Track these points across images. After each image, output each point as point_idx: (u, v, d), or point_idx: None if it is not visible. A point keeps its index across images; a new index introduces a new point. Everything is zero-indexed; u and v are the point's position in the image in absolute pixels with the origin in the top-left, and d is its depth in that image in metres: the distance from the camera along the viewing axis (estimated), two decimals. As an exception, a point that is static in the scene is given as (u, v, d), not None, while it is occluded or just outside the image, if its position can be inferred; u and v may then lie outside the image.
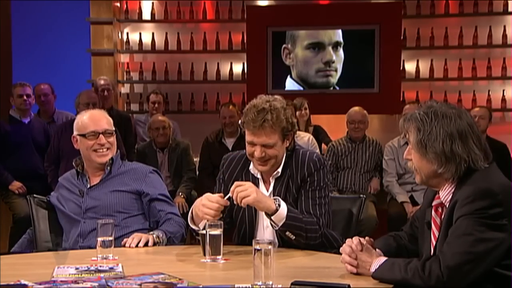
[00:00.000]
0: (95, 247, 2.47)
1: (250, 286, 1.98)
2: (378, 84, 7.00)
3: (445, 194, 2.09)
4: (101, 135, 2.94)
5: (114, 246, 2.47)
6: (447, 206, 2.08)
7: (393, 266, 2.02)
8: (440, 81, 7.14)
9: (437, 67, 7.12)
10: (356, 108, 5.57)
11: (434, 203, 2.15)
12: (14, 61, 6.23)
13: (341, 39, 7.05)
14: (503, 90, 7.04)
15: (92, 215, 2.87)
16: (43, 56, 7.17)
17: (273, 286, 1.97)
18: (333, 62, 7.06)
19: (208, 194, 2.51)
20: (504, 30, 6.96)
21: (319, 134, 6.13)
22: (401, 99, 7.01)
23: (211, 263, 2.35)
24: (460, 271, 1.91)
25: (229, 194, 2.46)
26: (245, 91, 7.16)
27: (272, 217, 2.49)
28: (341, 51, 7.05)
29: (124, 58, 7.49)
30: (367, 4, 7.14)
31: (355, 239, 2.18)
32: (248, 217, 2.70)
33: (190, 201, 5.09)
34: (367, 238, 2.23)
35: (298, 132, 5.02)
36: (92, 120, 2.97)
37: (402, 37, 7.04)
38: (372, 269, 2.06)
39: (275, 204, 2.48)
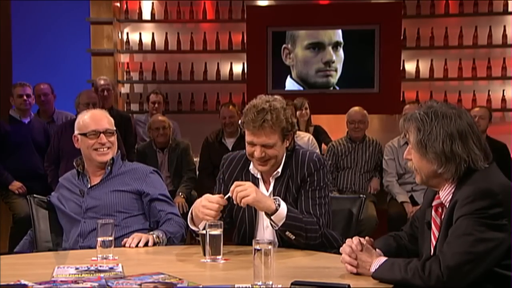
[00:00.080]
0: (95, 247, 2.47)
1: (250, 286, 1.98)
2: (378, 84, 7.00)
3: (445, 194, 2.09)
4: (102, 135, 2.95)
5: (114, 246, 2.47)
6: (447, 206, 2.08)
7: (393, 266, 2.02)
8: (440, 81, 7.14)
9: (437, 67, 7.12)
10: (356, 108, 5.57)
11: (434, 203, 2.15)
12: (14, 61, 6.23)
13: (341, 39, 7.05)
14: (503, 90, 7.04)
15: (92, 215, 2.87)
16: (43, 56, 7.17)
17: (273, 286, 1.97)
18: (333, 62, 7.06)
19: (207, 195, 2.51)
20: (504, 30, 6.96)
21: (320, 134, 6.12)
22: (401, 99, 7.01)
23: (211, 263, 2.35)
24: (460, 271, 1.91)
25: (229, 194, 2.46)
26: (245, 91, 7.16)
27: (272, 217, 2.49)
28: (341, 51, 7.05)
29: (124, 58, 7.50)
30: (367, 4, 7.14)
31: (355, 239, 2.18)
32: (248, 217, 2.70)
33: (190, 201, 5.09)
34: (367, 238, 2.24)
35: (298, 132, 5.02)
36: (93, 119, 2.98)
37: (402, 37, 7.04)
38: (372, 269, 2.06)
39: (275, 204, 2.48)
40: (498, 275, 1.97)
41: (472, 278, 1.92)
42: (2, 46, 5.97)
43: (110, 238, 2.45)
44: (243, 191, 2.42)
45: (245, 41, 7.22)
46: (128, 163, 3.11)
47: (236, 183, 2.47)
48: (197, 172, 5.58)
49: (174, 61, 7.38)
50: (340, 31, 7.06)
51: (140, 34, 7.40)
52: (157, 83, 7.37)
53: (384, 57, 6.94)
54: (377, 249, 2.22)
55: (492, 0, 6.99)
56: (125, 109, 7.31)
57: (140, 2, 7.38)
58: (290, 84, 7.15)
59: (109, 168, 2.98)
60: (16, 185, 5.13)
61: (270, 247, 1.99)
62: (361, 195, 3.08)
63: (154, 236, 2.72)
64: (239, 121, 2.69)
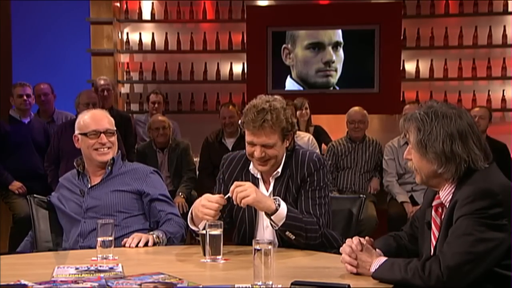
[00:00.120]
0: (95, 247, 2.47)
1: (250, 286, 1.98)
2: (378, 84, 7.00)
3: (445, 194, 2.09)
4: (102, 135, 2.95)
5: (114, 246, 2.47)
6: (447, 206, 2.08)
7: (393, 266, 2.02)
8: (440, 81, 7.14)
9: (437, 67, 7.12)
10: (356, 108, 5.57)
11: (434, 203, 2.15)
12: (14, 61, 6.23)
13: (341, 39, 7.05)
14: (503, 90, 7.04)
15: (92, 214, 2.87)
16: (43, 56, 7.17)
17: (273, 286, 1.97)
18: (333, 62, 7.06)
19: (207, 195, 2.51)
20: (504, 30, 6.96)
21: (320, 135, 6.12)
22: (401, 99, 7.01)
23: (211, 263, 2.35)
24: (460, 271, 1.91)
25: (229, 194, 2.46)
26: (245, 91, 7.16)
27: (272, 217, 2.49)
28: (341, 51, 7.05)
29: (124, 58, 7.50)
30: (367, 4, 7.14)
31: (355, 239, 2.18)
32: (248, 217, 2.70)
33: (190, 201, 5.09)
34: (367, 238, 2.24)
35: (298, 132, 5.02)
36: (94, 119, 2.98)
37: (402, 37, 7.04)
38: (372, 269, 2.06)
39: (275, 204, 2.48)
40: (498, 275, 1.97)
41: (472, 278, 1.92)
42: (2, 46, 5.97)
43: (110, 238, 2.45)
44: (243, 192, 2.42)
45: (245, 41, 7.22)
46: (129, 163, 3.11)
47: (236, 183, 2.47)
48: (197, 172, 5.58)
49: (174, 61, 7.38)
50: (340, 31, 7.06)
51: (140, 34, 7.40)
52: (157, 83, 7.37)
53: (384, 57, 6.94)
54: (377, 249, 2.22)
55: (492, 0, 6.99)
56: (125, 109, 7.31)
57: (140, 2, 7.38)
58: (290, 84, 7.15)
59: (109, 168, 2.98)
60: (16, 185, 5.13)
61: (270, 247, 1.99)
62: (361, 195, 3.08)
63: (154, 236, 2.72)
64: (239, 121, 2.69)
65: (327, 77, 7.10)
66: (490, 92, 7.04)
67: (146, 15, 7.38)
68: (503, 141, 5.49)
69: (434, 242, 2.12)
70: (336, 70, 7.07)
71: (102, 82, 5.80)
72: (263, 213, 2.53)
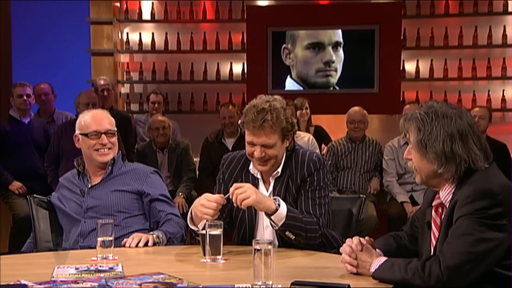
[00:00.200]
0: (95, 247, 2.47)
1: (250, 286, 1.98)
2: (378, 84, 7.00)
3: (445, 194, 2.09)
4: (103, 135, 2.95)
5: (114, 246, 2.47)
6: (447, 206, 2.08)
7: (393, 266, 2.02)
8: (440, 81, 7.14)
9: (437, 67, 7.12)
10: (356, 108, 5.57)
11: (434, 203, 2.15)
12: (14, 61, 6.22)
13: (341, 39, 7.05)
14: (503, 90, 7.04)
15: (92, 214, 2.87)
16: (43, 56, 7.17)
17: (273, 286, 1.97)
18: (333, 62, 7.06)
19: (207, 194, 2.51)
20: (504, 30, 6.96)
21: (320, 135, 6.12)
22: (401, 99, 7.01)
23: (211, 263, 2.35)
24: (460, 271, 1.91)
25: (229, 194, 2.46)
26: (245, 91, 7.16)
27: (272, 217, 2.49)
28: (341, 51, 7.05)
29: (124, 58, 7.50)
30: (367, 4, 7.14)
31: (355, 239, 2.18)
32: (248, 217, 2.70)
33: (190, 201, 5.08)
34: (367, 238, 2.23)
35: (298, 132, 5.02)
36: (95, 120, 2.98)
37: (402, 37, 7.04)
38: (372, 269, 2.06)
39: (275, 204, 2.48)
40: (498, 275, 1.97)
41: (472, 278, 1.92)
42: (2, 46, 5.96)
43: (110, 238, 2.45)
44: (243, 193, 2.42)
45: (245, 41, 7.22)
46: (129, 164, 3.11)
47: (235, 185, 2.47)
48: (197, 172, 5.58)
49: (174, 61, 7.38)
50: (340, 31, 7.06)
51: (140, 34, 7.40)
52: (157, 83, 7.37)
53: (384, 57, 6.94)
54: (377, 249, 2.22)
55: (492, 0, 6.99)
56: (125, 109, 7.30)
57: (140, 2, 7.38)
58: (290, 84, 7.15)
59: (109, 168, 2.98)
60: (16, 185, 5.13)
61: (270, 247, 1.99)
62: (361, 195, 3.08)
63: (154, 236, 2.72)
64: (239, 121, 2.69)
65: (327, 77, 7.10)
66: (490, 92, 7.04)
67: (146, 15, 7.38)
68: (503, 141, 5.50)
69: (434, 242, 2.12)
70: (336, 70, 7.07)
71: (102, 82, 5.80)
72: (263, 213, 2.53)
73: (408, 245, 2.33)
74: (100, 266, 2.28)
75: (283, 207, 2.49)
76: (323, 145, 5.94)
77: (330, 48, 7.06)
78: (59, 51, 7.21)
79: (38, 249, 2.97)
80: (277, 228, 2.51)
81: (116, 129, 3.03)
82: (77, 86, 5.99)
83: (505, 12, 6.97)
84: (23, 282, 2.03)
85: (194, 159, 5.63)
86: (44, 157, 5.13)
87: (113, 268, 2.26)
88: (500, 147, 5.30)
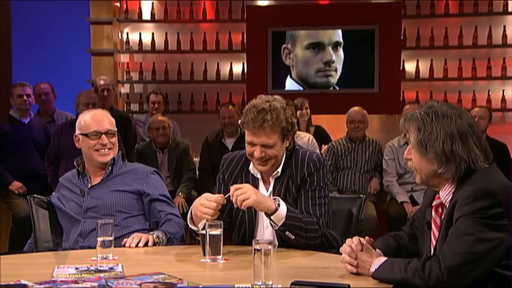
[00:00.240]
0: (95, 247, 2.47)
1: (250, 286, 1.98)
2: (378, 84, 7.00)
3: (445, 194, 2.09)
4: (103, 135, 2.95)
5: (114, 246, 2.47)
6: (447, 206, 2.08)
7: (393, 266, 2.02)
8: (440, 81, 7.13)
9: (437, 67, 7.12)
10: (355, 108, 5.57)
11: (434, 203, 2.15)
12: (14, 61, 6.22)
13: (341, 39, 7.05)
14: (503, 90, 7.04)
15: (92, 214, 2.87)
16: (43, 56, 7.16)
17: (273, 286, 1.97)
18: (333, 62, 7.06)
19: (206, 194, 2.51)
20: (504, 30, 6.96)
21: (321, 135, 6.12)
22: (401, 99, 7.01)
23: (211, 263, 2.35)
24: (460, 271, 1.91)
25: (229, 194, 2.46)
26: (245, 91, 7.16)
27: (271, 217, 2.49)
28: (341, 51, 7.05)
29: (124, 58, 7.50)
30: (367, 4, 7.14)
31: (355, 239, 2.18)
32: (248, 217, 2.70)
33: (190, 201, 5.08)
34: (367, 238, 2.24)
35: (298, 132, 5.02)
36: (95, 120, 2.98)
37: (402, 37, 7.04)
38: (372, 269, 2.06)
39: (275, 204, 2.48)
40: (498, 275, 1.97)
41: (472, 278, 1.92)
42: (2, 46, 5.96)
43: (110, 238, 2.45)
44: (243, 194, 2.42)
45: (245, 41, 7.22)
46: (129, 164, 3.11)
47: (234, 186, 2.47)
48: (197, 172, 5.58)
49: (174, 61, 7.38)
50: (340, 31, 7.06)
51: (140, 34, 7.40)
52: (157, 83, 7.37)
53: (384, 57, 6.94)
54: (377, 249, 2.22)
55: (492, 0, 6.99)
56: (125, 109, 7.30)
57: (140, 2, 7.38)
58: (290, 84, 7.15)
59: (109, 168, 2.98)
60: (16, 185, 5.13)
61: (270, 247, 1.99)
62: (361, 195, 3.08)
63: (154, 236, 2.72)
64: (239, 121, 2.69)
65: (327, 77, 7.10)
66: (490, 92, 7.04)
67: (146, 15, 7.38)
68: (503, 141, 5.50)
69: (434, 242, 2.12)
70: (336, 70, 7.07)
71: (102, 82, 5.80)
72: (263, 213, 2.53)
73: (408, 245, 2.33)
74: (100, 266, 2.28)
75: (283, 207, 2.49)
76: (323, 145, 5.93)
77: (330, 48, 7.06)
78: (59, 51, 7.21)
79: (38, 249, 2.97)
80: (277, 228, 2.51)
81: (116, 129, 3.03)
82: (77, 86, 5.99)
83: (505, 12, 6.97)
84: (23, 282, 2.03)
85: (194, 159, 5.63)
86: (44, 157, 5.13)
87: (113, 268, 2.26)
88: (500, 147, 5.30)
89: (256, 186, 2.65)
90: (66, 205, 2.97)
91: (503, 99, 7.02)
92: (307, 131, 5.94)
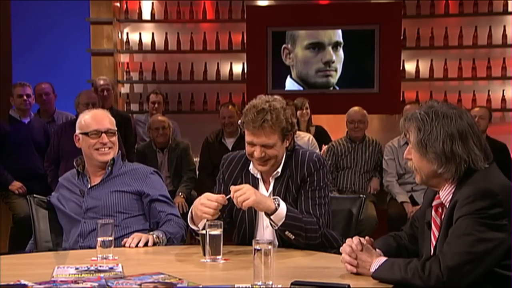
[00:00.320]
0: (95, 247, 2.47)
1: (250, 286, 1.98)
2: (378, 84, 7.00)
3: (445, 194, 2.09)
4: (103, 134, 2.95)
5: (114, 246, 2.47)
6: (447, 206, 2.08)
7: (393, 266, 2.02)
8: (440, 81, 7.13)
9: (437, 67, 7.12)
10: (355, 108, 5.57)
11: (434, 203, 2.15)
12: (14, 61, 6.23)
13: (341, 39, 7.05)
14: (503, 90, 7.04)
15: (92, 215, 2.87)
16: (43, 56, 7.17)
17: (273, 286, 1.97)
18: (333, 62, 7.06)
19: (207, 194, 2.51)
20: (504, 30, 6.96)
21: (321, 135, 6.12)
22: (401, 99, 7.01)
23: (211, 263, 2.35)
24: (460, 271, 1.91)
25: (230, 195, 2.46)
26: (245, 91, 7.16)
27: (271, 217, 2.49)
28: (341, 51, 7.05)
29: (124, 58, 7.50)
30: (367, 4, 7.14)
31: (355, 239, 2.18)
32: (248, 217, 2.70)
33: (190, 201, 5.08)
34: (367, 238, 2.23)
35: (298, 132, 5.02)
36: (95, 119, 2.99)
37: (402, 37, 7.04)
38: (372, 269, 2.06)
39: (275, 204, 2.48)
40: (498, 275, 1.97)
41: (472, 278, 1.92)
42: (2, 46, 5.97)
43: (110, 238, 2.45)
44: (243, 195, 2.42)
45: (245, 41, 7.22)
46: (129, 164, 3.11)
47: (234, 187, 2.47)
48: (197, 172, 5.58)
49: (174, 61, 7.38)
50: (340, 31, 7.06)
51: (140, 34, 7.40)
52: (157, 83, 7.37)
53: (384, 57, 6.94)
54: (377, 249, 2.22)
55: (492, 0, 6.99)
56: (125, 109, 7.30)
57: (140, 2, 7.38)
58: (290, 84, 7.15)
59: (109, 168, 2.98)
60: (16, 185, 5.13)
61: (270, 247, 1.99)
62: (361, 195, 3.08)
63: (154, 236, 2.72)
64: (239, 121, 2.69)
65: (327, 77, 7.10)
66: (490, 92, 7.04)
67: (146, 15, 7.38)
68: (503, 141, 5.50)
69: (434, 242, 2.12)
70: (336, 70, 7.07)
71: (101, 82, 5.80)
72: (263, 213, 2.53)
73: (408, 245, 2.33)
74: (100, 266, 2.28)
75: (283, 207, 2.49)
76: (323, 146, 5.93)
77: (330, 48, 7.06)
78: (59, 51, 7.21)
79: (38, 249, 2.97)
80: (276, 228, 2.51)
81: (116, 128, 3.03)
82: (77, 86, 5.99)
83: (505, 12, 6.97)
84: (23, 282, 2.03)
85: (194, 159, 5.63)
86: (44, 157, 5.13)
87: (113, 268, 2.26)
88: (500, 147, 5.30)
89: (256, 186, 2.65)
90: (65, 205, 2.97)
91: (503, 99, 7.01)
92: (308, 131, 5.94)
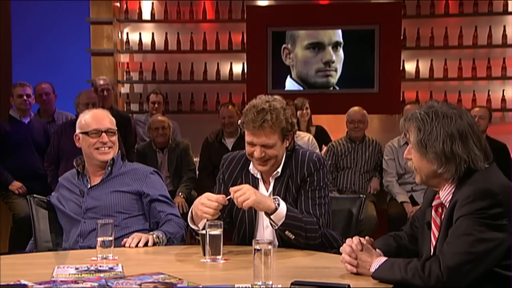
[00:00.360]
0: (95, 247, 2.47)
1: (250, 286, 1.98)
2: (378, 84, 7.00)
3: (445, 194, 2.09)
4: (103, 134, 2.95)
5: (114, 246, 2.47)
6: (447, 206, 2.08)
7: (393, 266, 2.02)
8: (440, 81, 7.14)
9: (437, 67, 7.12)
10: (355, 108, 5.57)
11: (434, 203, 2.15)
12: (14, 61, 6.23)
13: (341, 39, 7.05)
14: (503, 90, 7.04)
15: (92, 215, 2.87)
16: (43, 56, 7.17)
17: (273, 286, 1.97)
18: (333, 62, 7.06)
19: (208, 194, 2.51)
20: (504, 30, 6.96)
21: (322, 135, 6.12)
22: (401, 99, 7.01)
23: (211, 263, 2.35)
24: (460, 271, 1.91)
25: (230, 196, 2.46)
26: (245, 91, 7.16)
27: (271, 216, 2.49)
28: (341, 51, 7.05)
29: (124, 58, 7.50)
30: (367, 4, 7.14)
31: (355, 238, 2.18)
32: (248, 217, 2.70)
33: (190, 201, 5.08)
34: (367, 238, 2.23)
35: (298, 132, 5.02)
36: (95, 118, 2.99)
37: (402, 37, 7.04)
38: (372, 269, 2.06)
39: (275, 204, 2.48)
40: (498, 275, 1.97)
41: (472, 278, 1.92)
42: (2, 46, 5.97)
43: (110, 238, 2.45)
44: (243, 196, 2.42)
45: (245, 41, 7.22)
46: (128, 164, 3.11)
47: (233, 188, 2.47)
48: (197, 172, 5.58)
49: (174, 61, 7.38)
50: (340, 31, 7.06)
51: (140, 34, 7.40)
52: (157, 83, 7.37)
53: (384, 57, 6.94)
54: (377, 249, 2.22)
55: (492, 0, 6.99)
56: (125, 109, 7.31)
57: (140, 2, 7.38)
58: (290, 84, 7.15)
59: (109, 168, 2.98)
60: (16, 185, 5.13)
61: (270, 247, 1.99)
62: (361, 195, 3.08)
63: (154, 236, 2.72)
64: (239, 121, 2.69)
65: (327, 77, 7.10)
66: (490, 92, 7.04)
67: (146, 15, 7.38)
68: (503, 141, 5.49)
69: (434, 242, 2.12)
70: (336, 70, 7.07)
71: (101, 82, 5.80)
72: (263, 213, 2.53)
73: (408, 245, 2.33)
74: (100, 266, 2.28)
75: (283, 207, 2.49)
76: (323, 146, 5.93)
77: (330, 48, 7.06)
78: (59, 51, 7.21)
79: (38, 249, 2.97)
80: (276, 227, 2.51)
81: (116, 128, 3.04)
82: (77, 86, 5.99)
83: (505, 12, 6.97)
84: (23, 282, 2.03)
85: (194, 159, 5.63)
86: (44, 157, 5.13)
87: (113, 268, 2.26)
88: (500, 147, 5.30)
89: (256, 186, 2.65)
90: (65, 205, 2.97)
91: (503, 99, 7.02)
92: (308, 131, 5.94)
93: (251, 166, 2.71)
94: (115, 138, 3.00)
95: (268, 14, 7.16)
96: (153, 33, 7.37)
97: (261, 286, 1.97)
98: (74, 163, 3.03)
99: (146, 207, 2.94)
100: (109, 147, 2.97)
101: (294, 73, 7.14)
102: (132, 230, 2.83)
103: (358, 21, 6.98)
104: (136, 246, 2.66)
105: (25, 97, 5.28)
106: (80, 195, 2.95)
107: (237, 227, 2.75)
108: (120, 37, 7.42)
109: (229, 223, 2.73)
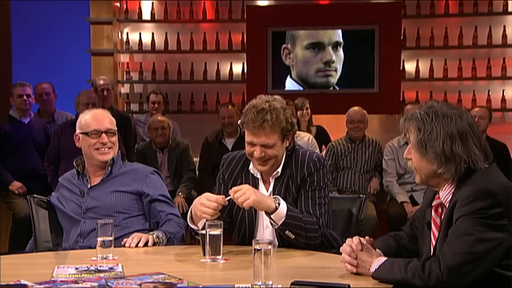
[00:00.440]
0: (95, 247, 2.47)
1: (250, 286, 1.98)
2: (378, 84, 7.00)
3: (445, 194, 2.09)
4: (103, 134, 2.95)
5: (114, 246, 2.47)
6: (447, 206, 2.08)
7: (393, 266, 2.02)
8: (440, 81, 7.14)
9: (437, 67, 7.12)
10: (355, 108, 5.57)
11: (434, 203, 2.15)
12: (14, 61, 6.23)
13: (341, 39, 7.05)
14: (503, 90, 7.04)
15: (92, 215, 2.87)
16: (43, 56, 7.17)
17: (273, 286, 1.97)
18: (333, 62, 7.06)
19: (207, 194, 2.51)
20: (504, 30, 6.96)
21: (322, 135, 6.12)
22: (401, 99, 7.01)
23: (211, 263, 2.35)
24: (460, 271, 1.91)
25: (230, 196, 2.46)
26: (245, 91, 7.16)
27: (271, 216, 2.49)
28: (341, 51, 7.05)
29: (124, 58, 7.50)
30: (367, 4, 7.14)
31: (355, 238, 2.18)
32: (248, 217, 2.70)
33: (190, 201, 5.07)
34: (367, 237, 2.23)
35: (298, 132, 5.02)
36: (95, 119, 2.99)
37: (402, 37, 7.04)
38: (372, 269, 2.06)
39: (275, 203, 2.48)
40: (498, 275, 1.97)
41: (472, 278, 1.92)
42: (2, 46, 5.97)
43: (110, 238, 2.45)
44: (243, 196, 2.42)
45: (245, 41, 7.22)
46: (128, 164, 3.11)
47: (233, 189, 2.47)
48: (197, 172, 5.58)
49: (174, 61, 7.38)
50: (340, 31, 7.06)
51: (140, 34, 7.40)
52: (157, 83, 7.37)
53: (384, 57, 6.94)
54: (377, 249, 2.22)
55: (492, 0, 6.99)
56: (125, 109, 7.31)
57: (140, 2, 7.38)
58: (290, 84, 7.15)
59: (109, 168, 2.98)
60: (16, 185, 5.13)
61: (270, 247, 1.99)
62: (361, 195, 3.08)
63: (154, 236, 2.72)
64: (239, 121, 2.69)
65: (327, 77, 7.10)
66: (490, 92, 7.04)
67: (146, 15, 7.38)
68: (503, 141, 5.49)
69: (434, 242, 2.12)
70: (336, 70, 7.07)
71: (101, 82, 5.80)
72: (263, 212, 2.53)
73: (408, 245, 2.33)
74: (100, 266, 2.28)
75: (283, 206, 2.49)
76: (323, 146, 5.93)
77: (330, 48, 7.06)
78: (59, 51, 7.21)
79: (38, 249, 2.97)
80: (277, 227, 2.51)
81: (116, 128, 3.04)
82: (77, 86, 5.98)
83: (505, 12, 6.97)
84: (23, 282, 2.03)
85: (194, 159, 5.63)
86: (44, 157, 5.13)
87: (113, 268, 2.26)
88: (500, 147, 5.30)
89: (256, 186, 2.65)
90: (65, 205, 2.97)
91: (503, 99, 7.02)
92: (308, 131, 5.94)
93: (251, 166, 2.71)
94: (115, 139, 3.00)
95: (268, 14, 7.17)
96: (153, 33, 7.38)
97: (261, 286, 1.97)
98: (74, 163, 3.03)
99: (146, 207, 2.94)
100: (109, 148, 2.97)
101: (294, 73, 7.14)
102: (132, 230, 2.83)
103: (358, 21, 6.98)
104: (136, 246, 2.66)
105: (25, 97, 5.28)
106: (80, 195, 2.95)
107: (237, 227, 2.75)
108: (120, 37, 7.42)
109: (229, 223, 2.73)
